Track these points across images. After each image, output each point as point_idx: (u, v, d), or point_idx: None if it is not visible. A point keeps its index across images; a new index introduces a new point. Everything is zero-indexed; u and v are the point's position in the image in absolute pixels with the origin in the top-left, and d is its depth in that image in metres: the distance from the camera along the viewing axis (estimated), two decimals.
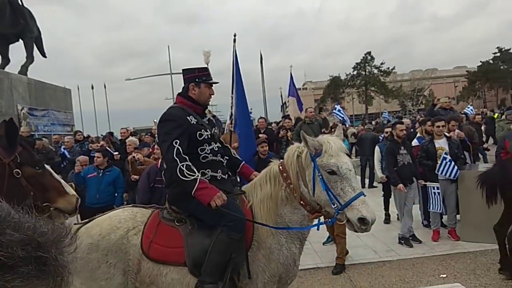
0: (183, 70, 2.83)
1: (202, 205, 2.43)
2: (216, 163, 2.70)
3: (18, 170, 2.17)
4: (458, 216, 6.01)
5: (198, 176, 2.43)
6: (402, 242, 5.84)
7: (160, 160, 5.39)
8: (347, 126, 16.33)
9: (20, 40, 13.99)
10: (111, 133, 12.24)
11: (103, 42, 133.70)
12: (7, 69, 13.26)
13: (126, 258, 2.44)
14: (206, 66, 2.91)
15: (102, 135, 14.77)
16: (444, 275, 4.63)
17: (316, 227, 2.67)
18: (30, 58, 14.23)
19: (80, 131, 11.98)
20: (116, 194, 6.05)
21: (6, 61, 13.50)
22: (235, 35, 5.79)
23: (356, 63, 46.41)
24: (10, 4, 12.97)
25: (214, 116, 3.20)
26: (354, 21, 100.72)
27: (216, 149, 2.72)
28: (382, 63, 45.63)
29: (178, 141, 2.49)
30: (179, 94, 2.82)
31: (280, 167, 2.63)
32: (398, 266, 5.06)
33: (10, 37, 13.62)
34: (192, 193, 2.40)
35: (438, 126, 6.11)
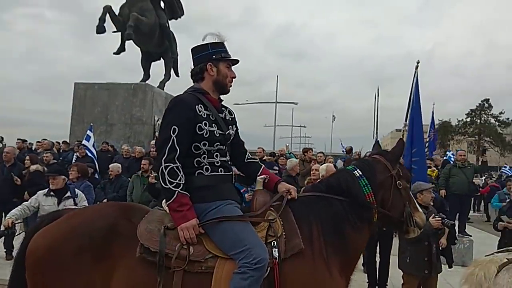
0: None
1: None
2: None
3: (400, 182, 2.44)
4: None
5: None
6: None
7: None
8: None
9: (161, 59, 15.39)
10: None
11: None
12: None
13: None
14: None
15: None
16: None
17: None
18: (167, 76, 15.52)
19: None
20: None
21: (147, 76, 14.88)
22: (418, 62, 5.62)
23: (471, 110, 42.70)
24: (160, 26, 14.35)
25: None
26: (467, 68, 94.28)
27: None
28: (501, 113, 41.33)
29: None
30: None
31: None
32: None
33: (154, 55, 15.08)
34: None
35: None
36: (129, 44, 13.55)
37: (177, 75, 16.43)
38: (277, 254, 2.04)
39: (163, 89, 15.01)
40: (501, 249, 2.32)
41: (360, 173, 2.38)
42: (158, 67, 15.46)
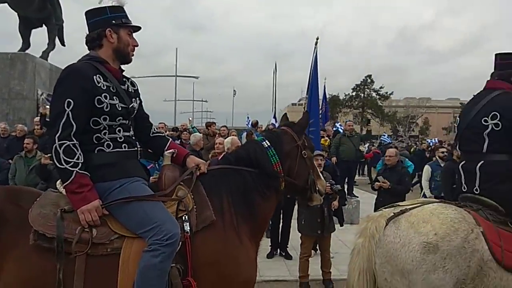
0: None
1: None
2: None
3: (305, 151, 2.54)
4: None
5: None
6: None
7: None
8: None
9: (44, 26, 13.72)
10: None
11: None
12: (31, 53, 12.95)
13: (464, 265, 2.23)
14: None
15: None
16: None
17: None
18: (51, 45, 13.90)
19: None
20: None
21: (27, 45, 13.16)
22: (317, 39, 5.95)
23: (356, 85, 47.18)
24: None
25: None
26: (353, 46, 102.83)
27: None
28: (381, 87, 46.53)
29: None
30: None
31: None
32: None
33: (34, 22, 13.35)
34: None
35: None
36: (3, 8, 11.94)
37: (62, 44, 14.85)
38: (188, 228, 2.03)
39: (46, 60, 13.47)
40: (388, 205, 2.63)
41: (268, 144, 2.44)
42: (40, 35, 13.79)
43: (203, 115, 58.76)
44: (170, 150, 2.36)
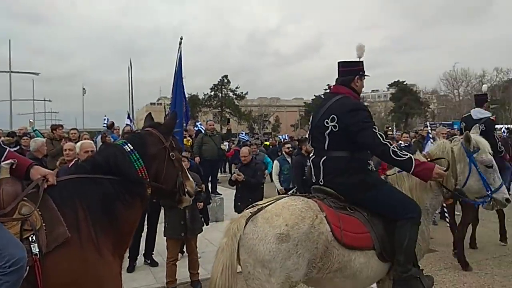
0: None
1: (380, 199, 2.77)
2: None
3: (173, 153, 2.45)
4: None
5: None
6: None
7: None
8: None
9: None
10: None
11: None
12: None
13: (312, 247, 2.51)
14: None
15: None
16: None
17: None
18: None
19: None
20: None
21: None
22: (181, 38, 5.94)
23: (214, 85, 48.56)
24: None
25: None
26: (208, 47, 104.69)
27: None
28: (237, 87, 48.97)
29: None
30: None
31: (428, 159, 3.00)
32: None
33: None
34: None
35: None
36: None
37: None
38: (37, 250, 1.77)
39: None
40: (249, 206, 2.79)
41: (131, 147, 2.27)
42: None
43: (47, 117, 52.24)
44: (8, 161, 2.01)
